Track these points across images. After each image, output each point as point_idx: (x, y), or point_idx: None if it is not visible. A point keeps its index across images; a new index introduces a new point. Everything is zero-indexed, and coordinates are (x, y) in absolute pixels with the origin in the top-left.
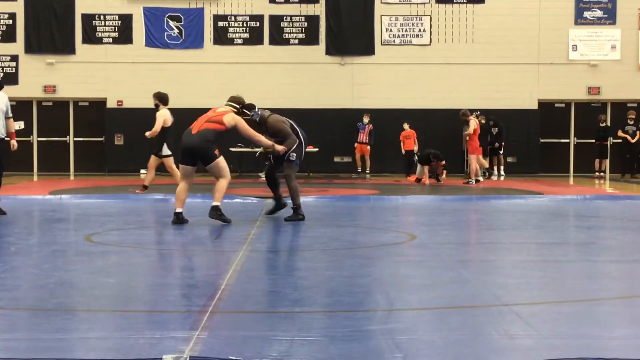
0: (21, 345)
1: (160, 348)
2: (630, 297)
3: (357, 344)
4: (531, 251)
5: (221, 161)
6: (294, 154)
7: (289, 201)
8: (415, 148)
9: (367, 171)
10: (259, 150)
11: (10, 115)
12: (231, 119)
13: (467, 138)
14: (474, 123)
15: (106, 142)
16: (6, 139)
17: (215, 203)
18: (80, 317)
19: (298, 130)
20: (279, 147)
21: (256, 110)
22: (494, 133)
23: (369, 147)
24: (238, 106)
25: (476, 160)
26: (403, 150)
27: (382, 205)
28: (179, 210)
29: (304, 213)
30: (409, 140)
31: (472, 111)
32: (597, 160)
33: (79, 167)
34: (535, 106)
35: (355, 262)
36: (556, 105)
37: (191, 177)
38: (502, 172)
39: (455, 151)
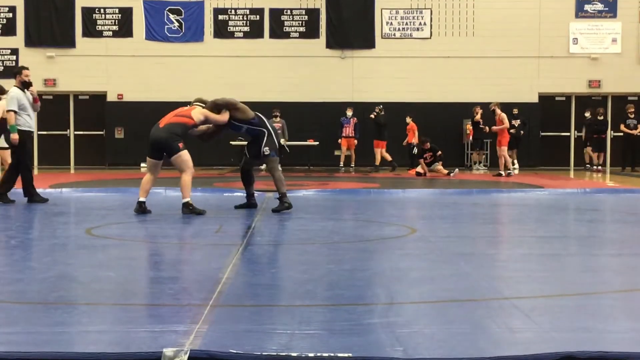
0: (21, 339)
1: (160, 341)
2: (631, 290)
3: (358, 338)
4: (531, 244)
5: (184, 154)
6: (267, 148)
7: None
8: (415, 141)
9: (352, 165)
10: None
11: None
12: (199, 113)
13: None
14: (505, 116)
15: (106, 135)
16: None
17: (184, 200)
18: (81, 311)
19: (266, 122)
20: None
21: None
22: (516, 125)
23: (355, 141)
24: (203, 105)
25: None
26: (406, 143)
27: (383, 199)
28: (142, 199)
29: (290, 201)
30: (410, 133)
31: (479, 104)
32: (595, 154)
33: (79, 161)
34: (535, 99)
35: (355, 255)
36: (557, 98)
37: (157, 170)
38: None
39: (456, 145)
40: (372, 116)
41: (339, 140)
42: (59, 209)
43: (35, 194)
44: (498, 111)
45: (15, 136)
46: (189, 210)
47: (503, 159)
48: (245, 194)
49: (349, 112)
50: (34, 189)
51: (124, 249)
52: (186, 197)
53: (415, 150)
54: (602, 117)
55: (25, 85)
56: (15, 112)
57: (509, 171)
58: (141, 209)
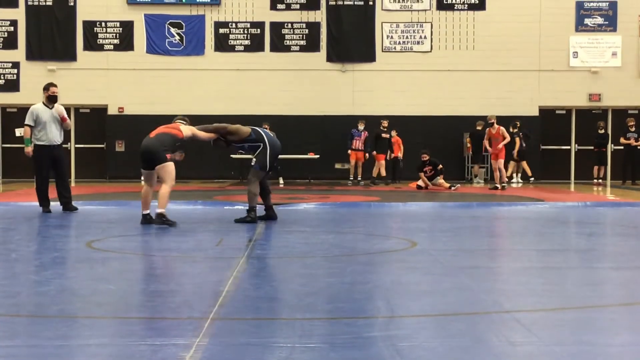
0: (22, 352)
1: (161, 355)
2: (632, 304)
3: (358, 351)
4: (532, 258)
5: (169, 165)
6: (254, 159)
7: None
8: (400, 155)
9: (359, 178)
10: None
11: (65, 114)
12: (187, 129)
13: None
14: (505, 130)
15: (107, 148)
16: (62, 145)
17: (159, 210)
18: (81, 324)
19: (263, 135)
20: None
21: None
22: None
23: (366, 155)
24: (185, 122)
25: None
26: (390, 157)
27: (383, 212)
28: (145, 212)
29: (255, 217)
30: (395, 147)
31: (482, 118)
32: (595, 167)
33: (80, 174)
34: (536, 113)
35: (356, 268)
36: (557, 112)
37: (153, 180)
38: (519, 179)
39: (456, 158)
40: (388, 135)
41: (349, 152)
42: (59, 222)
43: (45, 204)
44: (496, 125)
45: (28, 149)
46: (161, 221)
47: (498, 172)
48: (264, 207)
49: (361, 126)
50: (47, 201)
51: (124, 262)
52: (162, 207)
53: (401, 165)
54: (602, 131)
55: (51, 100)
56: (30, 126)
57: (504, 184)
58: (146, 221)
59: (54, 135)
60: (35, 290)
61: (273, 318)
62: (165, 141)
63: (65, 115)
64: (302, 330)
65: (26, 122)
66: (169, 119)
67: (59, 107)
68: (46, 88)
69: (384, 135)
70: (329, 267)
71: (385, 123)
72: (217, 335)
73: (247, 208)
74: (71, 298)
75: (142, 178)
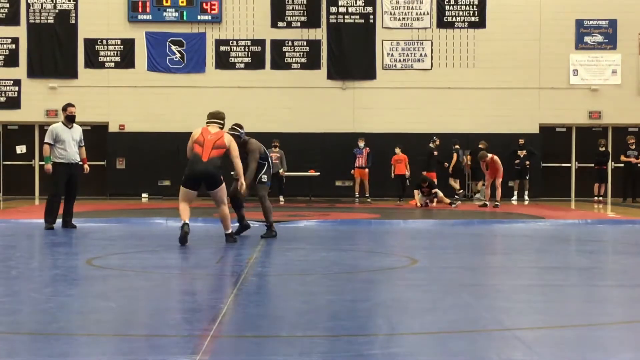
0: None
1: None
2: (633, 322)
3: None
4: (533, 275)
5: (225, 187)
6: (265, 176)
7: (259, 223)
8: (407, 173)
9: (366, 195)
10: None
11: (83, 144)
12: (228, 140)
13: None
14: (497, 158)
15: (108, 166)
16: (79, 164)
17: (228, 231)
18: (81, 342)
19: (267, 155)
20: (243, 187)
21: (243, 131)
22: (522, 155)
23: (367, 171)
24: (222, 122)
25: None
26: (393, 174)
27: (384, 229)
28: (187, 221)
29: (277, 230)
30: (400, 165)
31: (464, 137)
32: (596, 185)
33: (80, 191)
34: (536, 130)
35: (356, 286)
36: (557, 129)
37: (192, 201)
38: (526, 197)
39: (456, 175)
40: (436, 153)
41: (352, 172)
42: (59, 239)
43: (50, 221)
44: (488, 157)
45: (48, 166)
46: (233, 240)
47: (489, 190)
48: (237, 219)
49: (361, 143)
50: (53, 217)
51: (124, 280)
52: (229, 228)
53: (408, 183)
54: (603, 148)
55: (69, 120)
56: (50, 144)
57: (485, 202)
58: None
59: (73, 154)
60: (35, 308)
61: (273, 335)
62: (218, 164)
63: (85, 156)
64: (302, 347)
65: (46, 141)
66: (170, 136)
67: (78, 129)
68: (64, 109)
69: (435, 153)
70: (329, 284)
71: (437, 141)
72: (217, 353)
73: (267, 225)
74: (71, 315)
75: (181, 196)
